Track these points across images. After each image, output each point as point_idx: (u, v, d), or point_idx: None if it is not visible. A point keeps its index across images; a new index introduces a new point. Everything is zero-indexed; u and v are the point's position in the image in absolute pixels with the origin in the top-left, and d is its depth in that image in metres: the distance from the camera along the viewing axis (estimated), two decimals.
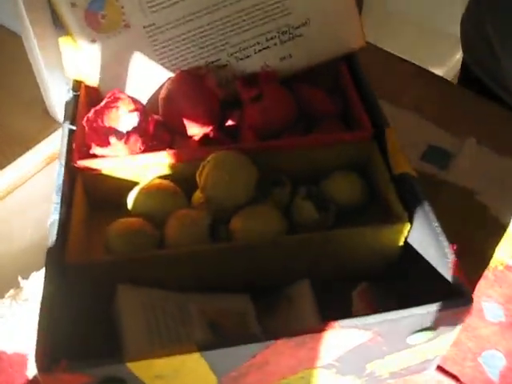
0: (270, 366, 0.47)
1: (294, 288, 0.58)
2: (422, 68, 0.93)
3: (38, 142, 0.74)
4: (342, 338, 0.46)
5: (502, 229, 0.69)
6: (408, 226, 0.55)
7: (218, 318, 0.56)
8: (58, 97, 0.72)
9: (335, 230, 0.55)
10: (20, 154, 0.73)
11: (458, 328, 0.49)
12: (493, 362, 0.59)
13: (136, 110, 0.60)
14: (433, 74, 0.93)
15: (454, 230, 0.53)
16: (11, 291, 0.62)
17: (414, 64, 0.93)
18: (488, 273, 0.65)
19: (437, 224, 0.52)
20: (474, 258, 0.65)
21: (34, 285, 0.62)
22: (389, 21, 1.65)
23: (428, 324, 0.47)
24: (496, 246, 0.67)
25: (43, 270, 0.49)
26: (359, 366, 0.51)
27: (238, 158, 0.57)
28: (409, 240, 0.57)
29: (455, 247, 0.53)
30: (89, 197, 0.62)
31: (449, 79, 0.94)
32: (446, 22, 1.57)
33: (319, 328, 0.44)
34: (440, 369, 0.57)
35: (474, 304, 0.48)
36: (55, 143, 0.73)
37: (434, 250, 0.52)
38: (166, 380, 0.45)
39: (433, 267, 0.53)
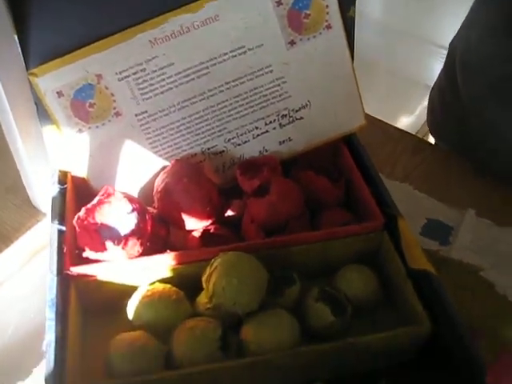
0: None
1: None
2: (406, 132, 0.90)
3: (21, 234, 0.68)
4: None
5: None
6: (429, 328, 0.52)
7: None
8: (41, 187, 0.67)
9: (359, 338, 0.51)
10: (1, 249, 0.67)
11: None
12: None
13: (133, 210, 0.56)
14: (418, 138, 0.90)
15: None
16: None
17: (399, 129, 0.91)
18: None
19: (464, 329, 0.50)
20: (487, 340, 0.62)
21: None
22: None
23: None
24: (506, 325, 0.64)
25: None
26: None
27: (247, 261, 0.53)
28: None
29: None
30: (83, 305, 0.56)
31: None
32: (416, 70, 1.58)
33: None
34: None
35: None
36: (40, 237, 0.68)
37: (460, 356, 0.50)
38: None
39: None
